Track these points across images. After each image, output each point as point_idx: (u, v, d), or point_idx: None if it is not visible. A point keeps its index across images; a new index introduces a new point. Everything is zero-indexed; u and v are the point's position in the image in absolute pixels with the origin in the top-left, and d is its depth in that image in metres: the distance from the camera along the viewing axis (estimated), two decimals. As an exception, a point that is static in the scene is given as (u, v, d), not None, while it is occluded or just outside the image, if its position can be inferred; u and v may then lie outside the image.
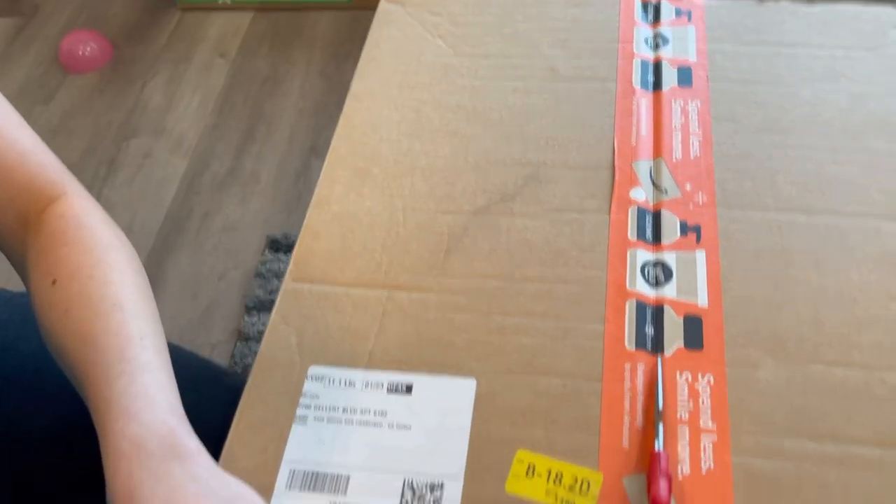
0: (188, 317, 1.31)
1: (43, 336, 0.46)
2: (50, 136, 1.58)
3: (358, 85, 0.64)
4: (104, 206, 0.50)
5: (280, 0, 1.77)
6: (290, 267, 0.53)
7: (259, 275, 1.34)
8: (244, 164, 1.52)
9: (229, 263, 1.37)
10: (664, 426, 0.43)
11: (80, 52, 1.68)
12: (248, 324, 1.28)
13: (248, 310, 1.30)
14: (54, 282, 0.45)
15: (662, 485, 0.40)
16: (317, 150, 1.51)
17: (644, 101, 0.60)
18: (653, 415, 0.44)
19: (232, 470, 0.45)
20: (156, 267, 1.37)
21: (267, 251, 1.37)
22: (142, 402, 0.40)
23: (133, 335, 0.43)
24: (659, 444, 0.42)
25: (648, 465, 0.42)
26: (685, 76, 0.61)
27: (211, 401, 0.55)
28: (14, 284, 0.60)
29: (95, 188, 1.48)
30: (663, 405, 0.44)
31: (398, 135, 0.60)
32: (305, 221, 0.56)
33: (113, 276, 0.45)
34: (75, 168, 0.47)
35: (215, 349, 1.26)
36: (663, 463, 0.41)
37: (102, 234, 0.47)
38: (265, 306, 1.29)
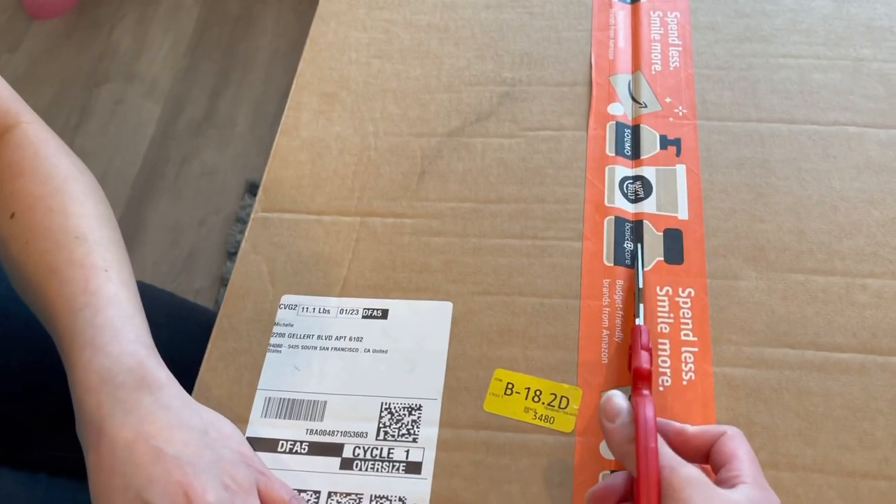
0: (169, 264, 1.29)
1: (6, 270, 0.45)
2: (17, 84, 1.52)
3: (324, 7, 0.61)
4: (77, 155, 0.48)
5: (249, -64, 1.71)
6: (259, 195, 0.52)
7: (240, 220, 1.32)
8: (220, 107, 1.48)
9: (209, 209, 1.35)
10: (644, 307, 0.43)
11: (44, -3, 1.62)
12: (231, 269, 1.26)
13: (230, 255, 1.29)
14: (13, 215, 0.43)
15: (644, 357, 0.39)
16: (293, 90, 1.47)
17: (622, 13, 0.58)
18: (632, 326, 0.43)
19: (206, 400, 0.44)
20: (134, 215, 1.35)
21: (246, 196, 1.35)
22: (108, 334, 0.39)
23: (97, 266, 0.42)
24: (639, 321, 0.41)
25: (630, 338, 0.41)
26: (664, -13, 0.59)
27: (185, 336, 0.54)
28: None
29: (67, 137, 1.44)
30: (644, 315, 0.43)
31: (367, 56, 0.58)
32: (273, 150, 0.54)
33: (73, 206, 0.43)
34: (45, 116, 0.46)
35: (198, 295, 1.25)
36: (644, 336, 0.40)
37: (60, 163, 0.45)
38: (247, 250, 1.28)
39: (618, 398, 0.37)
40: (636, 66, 0.55)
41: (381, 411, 0.42)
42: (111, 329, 0.39)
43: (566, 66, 0.55)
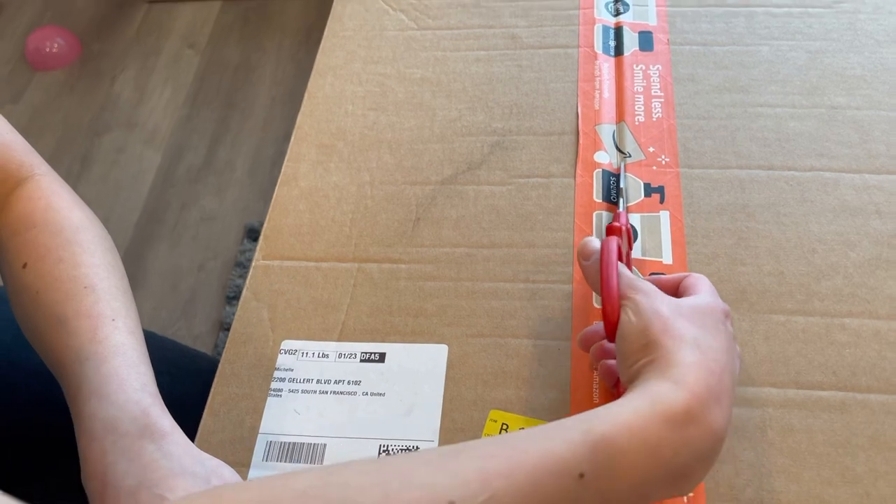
0: (169, 309, 1.30)
1: (17, 320, 0.46)
2: (20, 134, 1.56)
3: (322, 61, 0.64)
4: None
5: (248, -12, 1.76)
6: (260, 244, 0.54)
7: (239, 264, 1.34)
8: (219, 153, 1.51)
9: (208, 254, 1.37)
10: None
11: (48, 49, 1.66)
12: (230, 313, 1.28)
13: (229, 300, 1.30)
14: (25, 265, 0.45)
15: (620, 217, 0.46)
16: (291, 136, 1.50)
17: (606, 65, 0.60)
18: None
19: (208, 444, 0.45)
20: (135, 261, 1.36)
21: (245, 240, 1.37)
22: (114, 383, 0.40)
23: (104, 316, 0.43)
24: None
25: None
26: (646, 40, 0.62)
27: (185, 383, 0.56)
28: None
29: (69, 185, 1.46)
30: None
31: (363, 109, 0.60)
32: (273, 199, 0.56)
33: (83, 257, 0.45)
34: (47, 164, 0.49)
35: (197, 340, 1.26)
36: (623, 218, 0.46)
37: (72, 215, 0.47)
38: (246, 295, 1.29)
39: (592, 242, 0.43)
40: (620, 117, 0.57)
41: (380, 453, 0.44)
42: (117, 378, 0.40)
43: (554, 117, 0.57)
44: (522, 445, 0.30)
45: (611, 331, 0.39)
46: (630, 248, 0.47)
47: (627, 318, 0.37)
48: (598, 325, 0.43)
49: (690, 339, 0.35)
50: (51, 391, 0.46)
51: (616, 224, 0.45)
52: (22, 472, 0.58)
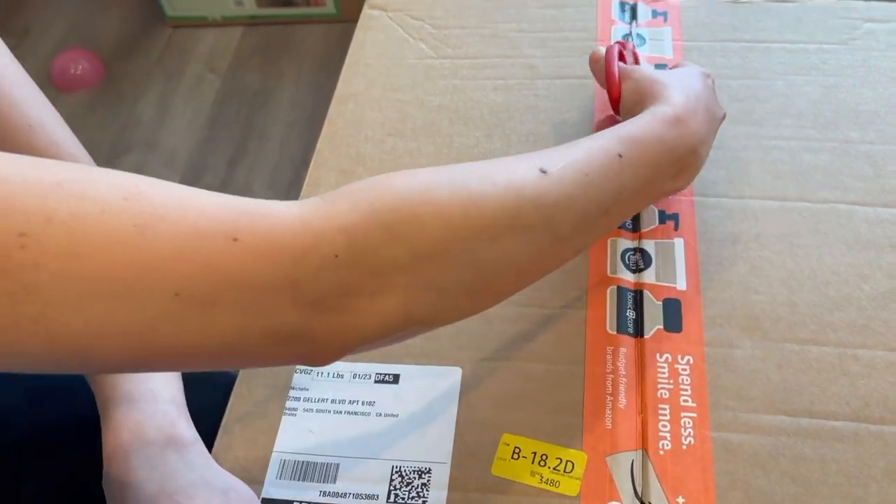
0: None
1: None
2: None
3: (342, 89, 0.65)
4: None
5: (269, 15, 1.79)
6: (279, 265, 0.54)
7: (253, 285, 1.35)
8: (237, 176, 1.53)
9: (223, 275, 1.38)
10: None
11: (72, 71, 1.70)
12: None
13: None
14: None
15: (627, 45, 0.56)
16: (308, 161, 1.51)
17: (622, 96, 0.61)
18: (636, 395, 0.45)
19: (223, 461, 0.46)
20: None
21: (260, 262, 1.38)
22: (145, 392, 0.42)
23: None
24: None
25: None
26: (662, 72, 0.63)
27: (202, 396, 0.56)
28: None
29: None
30: (645, 382, 0.45)
31: (382, 135, 0.61)
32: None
33: None
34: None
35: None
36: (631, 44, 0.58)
37: None
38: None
39: (599, 48, 0.56)
40: (636, 146, 0.58)
41: (392, 474, 0.44)
42: (148, 388, 0.42)
43: (570, 145, 0.58)
44: (569, 145, 0.40)
45: (616, 104, 0.52)
46: (637, 63, 0.56)
47: (627, 86, 0.50)
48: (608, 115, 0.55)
49: (675, 82, 0.48)
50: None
51: (620, 40, 0.56)
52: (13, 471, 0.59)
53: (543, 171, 0.36)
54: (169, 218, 0.28)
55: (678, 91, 0.46)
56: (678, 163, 0.44)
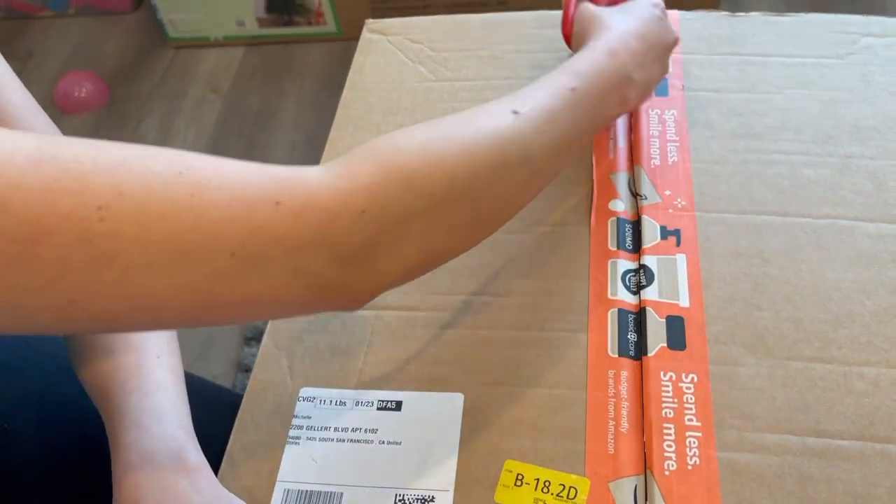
0: (187, 349, 1.31)
1: (68, 346, 0.48)
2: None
3: (342, 113, 0.65)
4: None
5: (270, 34, 1.80)
6: (280, 291, 0.54)
7: (258, 304, 1.35)
8: (240, 196, 1.53)
9: (229, 295, 1.38)
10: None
11: (76, 94, 1.71)
12: (248, 354, 1.29)
13: (248, 340, 1.31)
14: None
15: None
16: (311, 178, 1.52)
17: (620, 114, 0.61)
18: (638, 419, 0.45)
19: (228, 489, 0.45)
20: (156, 301, 1.38)
21: (265, 281, 1.38)
22: (154, 417, 0.43)
23: (150, 352, 0.46)
24: None
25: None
26: (661, 86, 0.63)
27: (211, 416, 0.57)
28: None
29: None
30: (649, 400, 0.45)
31: (382, 158, 0.61)
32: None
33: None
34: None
35: (215, 381, 1.27)
36: None
37: None
38: (265, 335, 1.30)
39: None
40: (637, 161, 0.58)
41: (395, 502, 0.44)
42: (157, 413, 0.43)
43: (570, 168, 0.58)
44: (532, 86, 0.44)
45: (568, 39, 0.58)
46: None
47: (576, 24, 0.55)
48: None
49: (612, 17, 0.52)
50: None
51: None
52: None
53: (516, 113, 0.41)
54: (220, 188, 0.32)
55: (613, 24, 0.51)
56: (619, 90, 0.49)
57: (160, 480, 0.40)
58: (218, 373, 1.28)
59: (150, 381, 0.44)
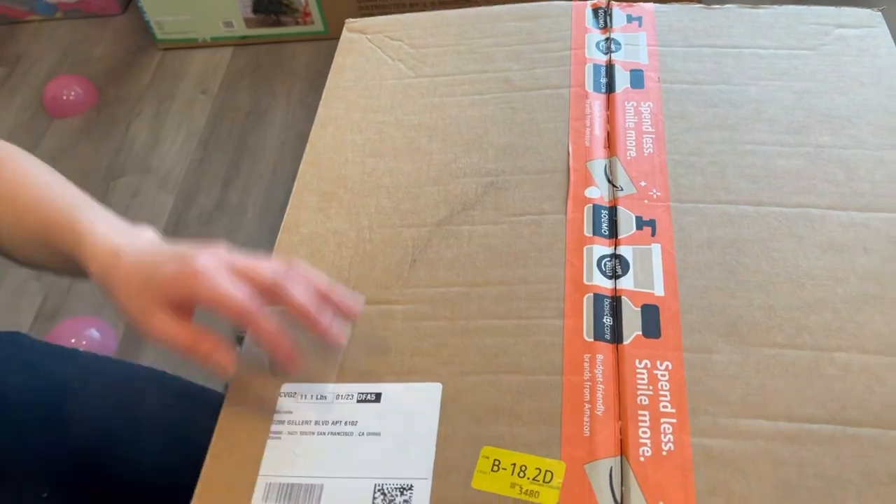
0: (181, 350, 1.32)
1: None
2: None
3: (323, 113, 0.66)
4: None
5: (259, 35, 1.81)
6: (261, 287, 0.55)
7: (249, 304, 1.36)
8: (230, 196, 1.54)
9: (220, 295, 1.39)
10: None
11: (65, 97, 1.71)
12: (240, 354, 1.29)
13: (240, 340, 1.31)
14: None
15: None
16: (301, 178, 1.53)
17: (597, 102, 0.62)
18: (614, 402, 0.46)
19: (210, 487, 0.46)
20: (147, 303, 1.38)
21: (256, 280, 1.39)
22: (104, 212, 0.51)
23: (71, 190, 0.53)
24: None
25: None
26: (637, 78, 0.64)
27: (193, 416, 0.57)
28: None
29: (85, 229, 1.49)
30: (625, 388, 0.46)
31: (362, 156, 0.62)
32: (275, 246, 0.58)
33: (28, 163, 0.55)
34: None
35: (206, 382, 1.27)
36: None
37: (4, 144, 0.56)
38: (257, 335, 1.31)
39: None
40: (612, 152, 0.58)
41: (375, 492, 0.44)
42: (103, 211, 0.51)
43: (546, 156, 0.59)
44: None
45: None
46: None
47: None
48: None
49: None
50: None
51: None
52: None
53: None
54: None
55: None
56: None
57: (131, 235, 0.49)
58: (211, 373, 1.28)
59: (84, 200, 0.52)
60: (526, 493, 0.43)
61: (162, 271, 0.46)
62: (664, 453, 0.44)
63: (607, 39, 0.67)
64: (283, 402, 0.49)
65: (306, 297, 0.46)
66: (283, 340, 0.46)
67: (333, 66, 0.69)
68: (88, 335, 1.30)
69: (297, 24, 1.77)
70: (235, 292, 0.45)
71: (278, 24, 1.78)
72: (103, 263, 0.47)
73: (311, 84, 1.72)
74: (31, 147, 1.66)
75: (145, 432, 0.62)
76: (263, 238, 1.45)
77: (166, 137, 1.66)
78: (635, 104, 0.62)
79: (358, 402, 0.48)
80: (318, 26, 1.78)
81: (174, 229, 1.49)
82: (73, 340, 1.29)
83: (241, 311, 0.45)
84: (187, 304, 0.47)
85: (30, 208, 0.51)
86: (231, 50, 1.83)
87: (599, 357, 0.48)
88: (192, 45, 1.83)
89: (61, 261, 0.51)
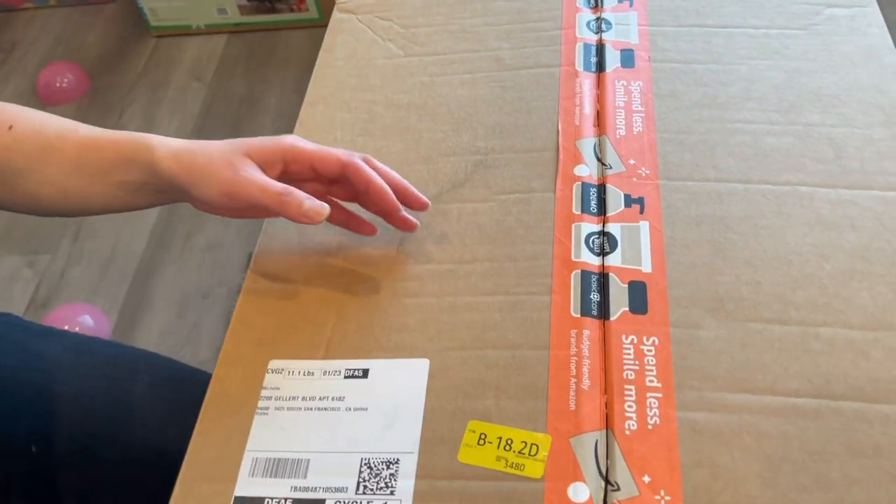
0: (175, 335, 1.32)
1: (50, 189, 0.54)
2: None
3: (313, 91, 0.66)
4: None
5: (253, 22, 1.80)
6: (251, 266, 0.55)
7: (243, 291, 1.36)
8: (224, 183, 1.53)
9: (213, 281, 1.39)
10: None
11: (58, 84, 1.70)
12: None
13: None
14: (11, 127, 0.54)
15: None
16: (295, 165, 1.52)
17: (587, 81, 0.62)
18: (600, 376, 0.46)
19: (196, 461, 0.46)
20: (141, 287, 1.38)
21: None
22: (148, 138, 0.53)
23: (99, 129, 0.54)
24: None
25: None
26: (628, 58, 0.63)
27: (185, 397, 0.57)
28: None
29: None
30: (611, 363, 0.46)
31: (352, 135, 0.62)
32: (264, 226, 0.57)
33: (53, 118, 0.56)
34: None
35: (203, 365, 1.27)
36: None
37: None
38: (250, 321, 1.31)
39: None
40: (602, 131, 0.58)
41: (361, 466, 0.45)
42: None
43: (535, 134, 0.59)
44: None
45: None
46: None
47: None
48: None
49: None
50: None
51: None
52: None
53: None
54: None
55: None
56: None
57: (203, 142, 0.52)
58: (205, 358, 1.29)
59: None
60: (512, 466, 0.43)
61: (252, 141, 0.51)
62: (650, 427, 0.44)
63: (598, 19, 0.67)
64: (271, 378, 0.49)
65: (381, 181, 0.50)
66: (383, 184, 0.50)
67: (323, 45, 0.69)
68: (82, 322, 1.30)
69: (292, 10, 1.77)
70: (331, 148, 0.51)
71: (272, 10, 1.77)
72: (187, 152, 0.50)
73: (305, 71, 1.70)
74: (25, 134, 1.66)
75: (137, 412, 0.62)
76: (258, 225, 1.45)
77: (160, 125, 1.66)
78: (625, 83, 0.62)
79: (345, 378, 0.48)
80: (312, 13, 1.77)
81: (168, 215, 1.49)
82: (66, 327, 1.29)
83: (340, 160, 0.50)
84: (276, 167, 0.51)
85: (87, 146, 0.52)
86: (225, 37, 1.82)
87: (586, 332, 0.48)
88: (185, 32, 1.83)
89: (129, 188, 0.52)
